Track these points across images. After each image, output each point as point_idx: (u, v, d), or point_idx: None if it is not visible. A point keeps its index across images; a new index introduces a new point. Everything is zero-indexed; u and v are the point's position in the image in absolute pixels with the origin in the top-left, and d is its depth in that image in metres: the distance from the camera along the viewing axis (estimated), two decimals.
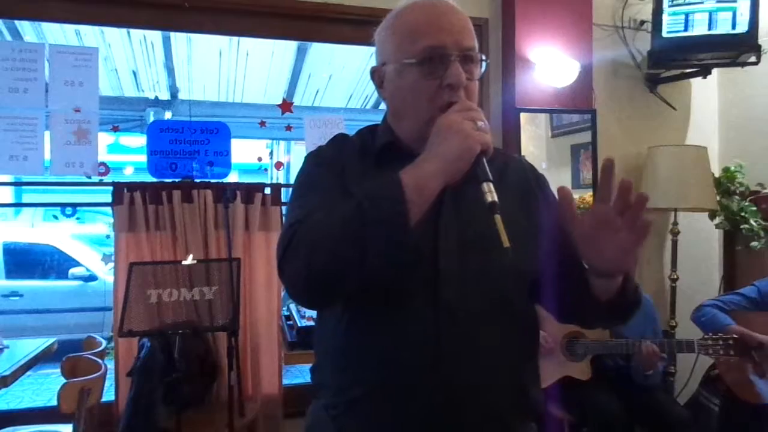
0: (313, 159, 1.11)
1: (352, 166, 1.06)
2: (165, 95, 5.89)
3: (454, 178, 0.92)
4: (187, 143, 2.74)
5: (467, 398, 0.98)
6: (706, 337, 2.38)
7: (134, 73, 5.37)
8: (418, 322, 0.98)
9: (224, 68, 5.15)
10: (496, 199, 0.88)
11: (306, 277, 0.90)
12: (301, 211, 0.98)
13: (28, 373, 2.44)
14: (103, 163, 2.64)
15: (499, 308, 1.02)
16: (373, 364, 0.99)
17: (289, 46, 4.90)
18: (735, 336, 2.33)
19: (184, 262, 2.42)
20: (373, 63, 1.12)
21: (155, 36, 4.68)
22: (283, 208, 2.81)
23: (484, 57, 1.04)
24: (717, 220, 3.19)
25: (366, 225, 0.86)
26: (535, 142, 3.07)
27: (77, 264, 6.19)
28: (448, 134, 0.92)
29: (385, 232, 0.87)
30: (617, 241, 0.89)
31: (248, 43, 4.66)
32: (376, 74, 1.10)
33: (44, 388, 5.01)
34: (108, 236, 2.78)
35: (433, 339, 0.97)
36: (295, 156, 6.88)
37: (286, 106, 2.96)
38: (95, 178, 2.63)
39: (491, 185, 0.90)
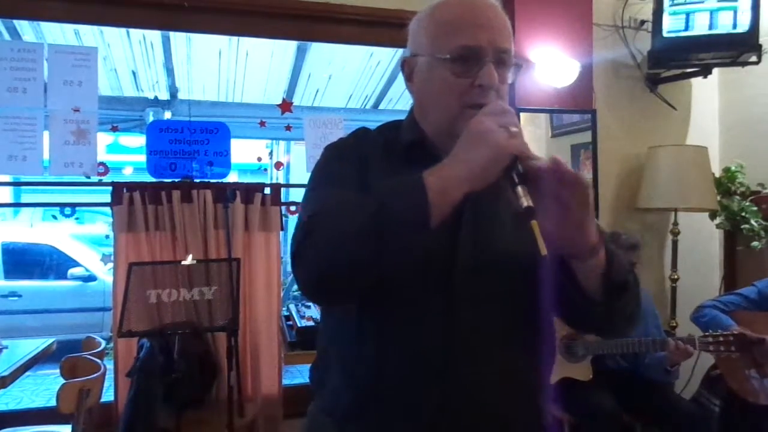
0: (332, 151, 1.08)
1: (375, 161, 1.03)
2: (164, 95, 5.88)
3: (481, 186, 0.88)
4: (187, 143, 2.74)
5: (474, 411, 0.96)
6: (706, 334, 2.38)
7: (133, 73, 5.36)
8: (428, 335, 0.96)
9: (224, 68, 5.14)
10: (531, 203, 0.84)
11: (320, 272, 0.88)
12: (317, 204, 0.95)
13: (27, 373, 2.43)
14: (102, 163, 2.63)
15: (512, 326, 1.00)
16: (382, 372, 0.97)
17: (289, 46, 4.89)
18: (735, 332, 2.33)
19: (183, 262, 2.42)
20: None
21: (155, 36, 4.67)
22: (283, 208, 2.82)
23: (518, 62, 1.02)
24: (717, 220, 3.18)
25: (385, 224, 0.84)
26: (535, 142, 3.07)
27: (76, 264, 6.18)
28: (479, 141, 0.87)
29: (405, 233, 0.85)
30: (568, 215, 0.88)
31: (248, 43, 4.65)
32: (406, 65, 1.07)
33: (43, 388, 5.00)
34: (107, 236, 2.77)
35: (442, 351, 0.95)
36: (295, 156, 6.87)
37: (286, 106, 2.96)
38: (94, 178, 2.63)
39: (525, 189, 0.85)
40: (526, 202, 0.84)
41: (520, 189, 0.85)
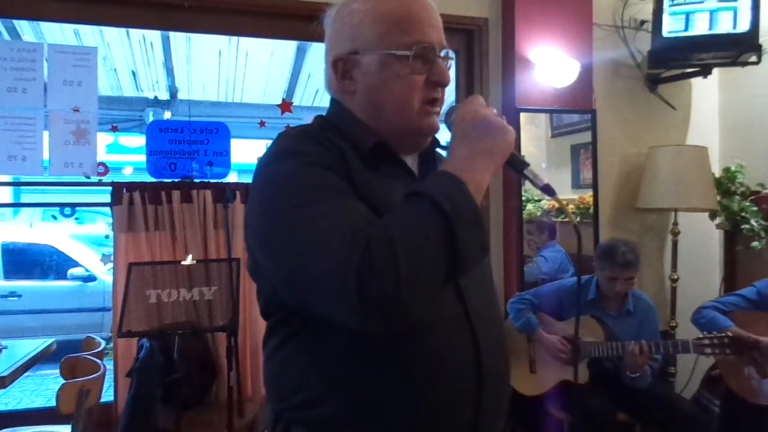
0: (304, 159, 0.91)
1: (354, 169, 0.93)
2: (164, 95, 5.89)
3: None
4: (187, 143, 2.74)
5: (496, 414, 0.99)
6: (701, 337, 2.37)
7: (133, 73, 5.37)
8: (460, 333, 0.94)
9: (224, 68, 5.15)
10: (545, 180, 0.92)
11: (413, 285, 0.78)
12: (344, 221, 0.82)
13: (27, 373, 2.43)
14: (102, 163, 2.63)
15: (499, 317, 1.07)
16: (412, 397, 0.90)
17: (289, 46, 4.89)
18: (730, 334, 2.32)
19: (183, 263, 2.42)
20: None
21: (154, 36, 4.67)
22: None
23: (452, 55, 1.03)
24: (717, 221, 3.18)
25: (456, 228, 0.80)
26: (535, 142, 3.07)
27: (76, 264, 6.17)
28: (489, 130, 0.90)
29: (473, 233, 0.83)
30: None
31: (248, 43, 4.65)
32: (341, 63, 1.00)
33: (43, 388, 5.00)
34: (107, 236, 2.77)
35: (474, 349, 0.94)
36: None
37: (286, 106, 2.96)
38: (94, 178, 2.63)
39: (532, 168, 0.93)
40: (540, 180, 0.93)
41: (528, 172, 0.93)
